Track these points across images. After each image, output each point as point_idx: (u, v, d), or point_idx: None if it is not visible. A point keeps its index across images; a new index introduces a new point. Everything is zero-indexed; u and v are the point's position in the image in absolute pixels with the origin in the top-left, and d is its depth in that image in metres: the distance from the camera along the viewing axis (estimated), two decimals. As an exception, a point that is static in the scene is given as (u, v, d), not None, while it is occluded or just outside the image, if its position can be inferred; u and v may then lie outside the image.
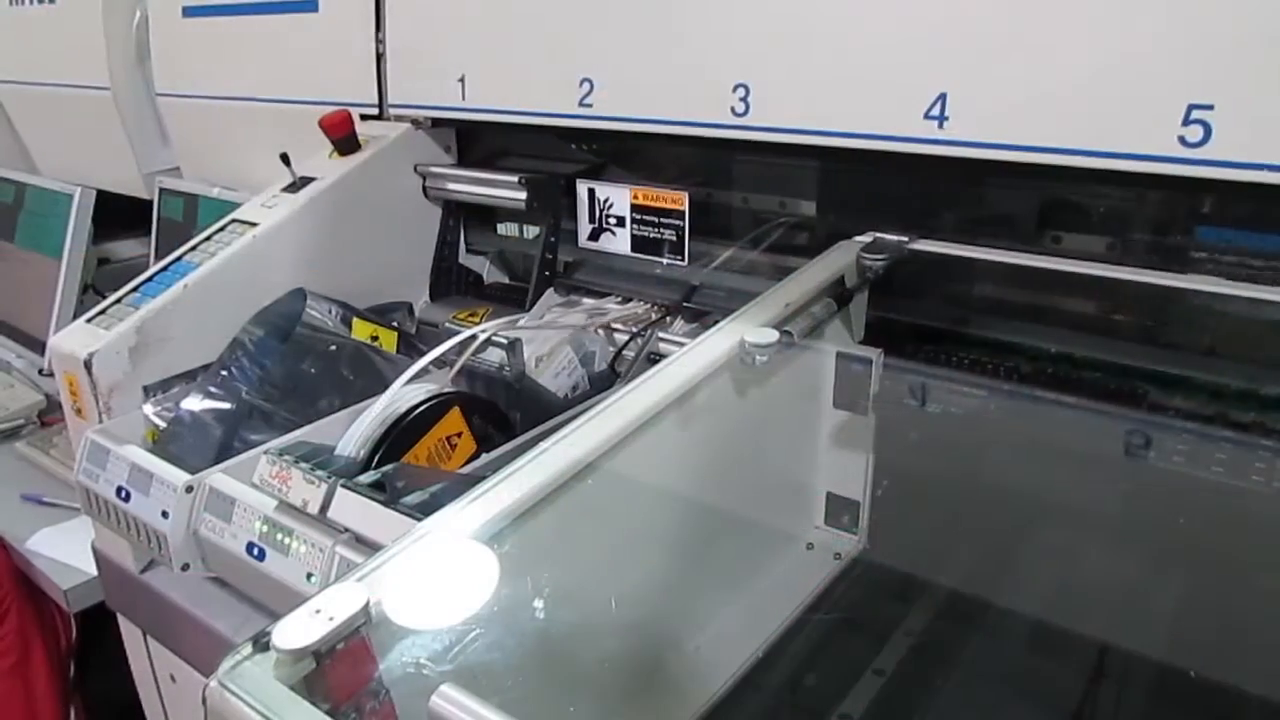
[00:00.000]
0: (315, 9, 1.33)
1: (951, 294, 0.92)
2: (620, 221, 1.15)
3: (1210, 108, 0.68)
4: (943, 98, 0.80)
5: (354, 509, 0.74)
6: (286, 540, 0.78)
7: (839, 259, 0.87)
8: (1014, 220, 0.94)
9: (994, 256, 0.88)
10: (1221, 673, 0.70)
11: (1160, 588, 0.77)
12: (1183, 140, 0.69)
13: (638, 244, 1.14)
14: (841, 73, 0.87)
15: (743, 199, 1.15)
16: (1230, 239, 0.84)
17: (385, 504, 0.70)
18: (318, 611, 0.46)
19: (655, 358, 1.02)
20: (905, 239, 0.90)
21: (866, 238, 0.91)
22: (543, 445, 0.64)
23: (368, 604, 0.47)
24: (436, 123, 1.27)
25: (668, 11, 0.98)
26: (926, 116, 0.81)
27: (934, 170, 0.86)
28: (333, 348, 1.03)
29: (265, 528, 0.80)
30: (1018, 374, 0.86)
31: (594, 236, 1.19)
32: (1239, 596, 0.73)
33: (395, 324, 1.14)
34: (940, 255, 0.89)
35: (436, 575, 0.54)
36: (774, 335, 0.72)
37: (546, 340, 1.03)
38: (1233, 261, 0.84)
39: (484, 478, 0.60)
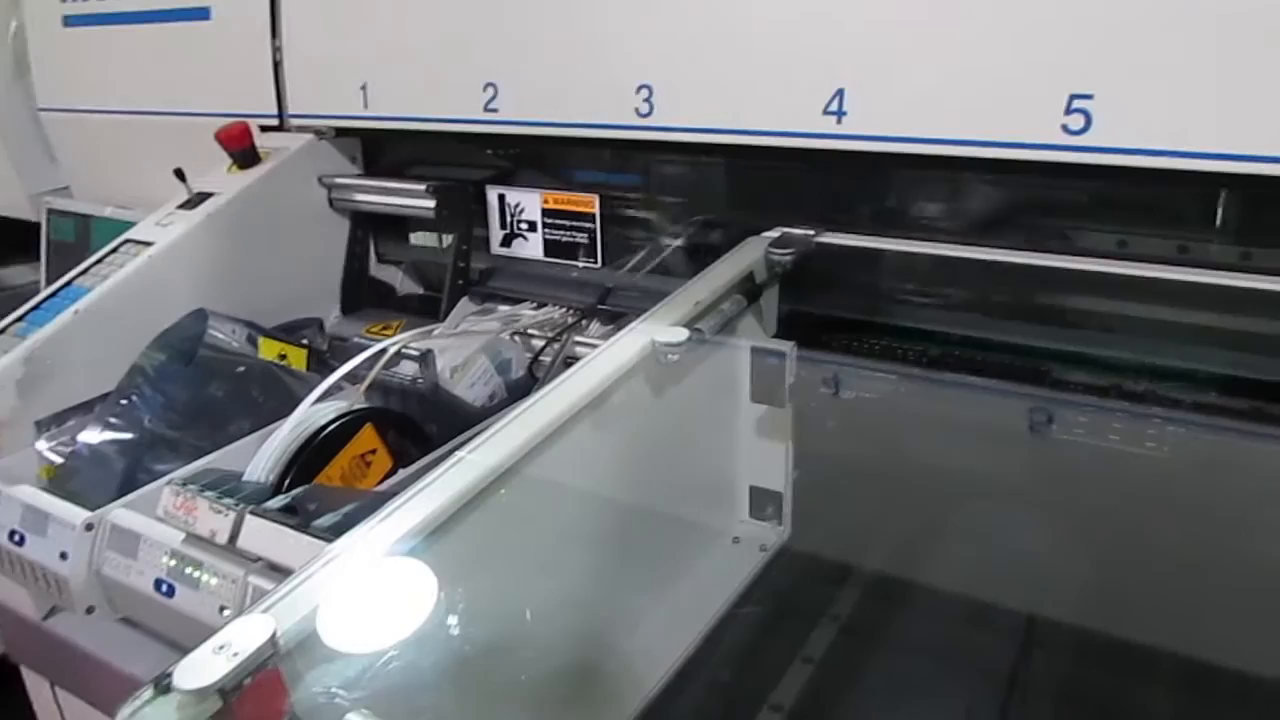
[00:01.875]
0: (207, 17, 1.28)
1: (861, 284, 0.93)
2: (532, 226, 1.14)
3: (1090, 97, 0.71)
4: (840, 93, 0.82)
5: (264, 536, 0.72)
6: (196, 574, 0.76)
7: (748, 255, 0.88)
8: (918, 210, 0.97)
9: (899, 246, 0.90)
10: (1136, 632, 0.73)
11: (1073, 555, 0.79)
12: (1066, 129, 0.72)
13: (551, 248, 1.14)
14: (742, 71, 0.88)
15: (655, 199, 1.16)
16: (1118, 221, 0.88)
17: (297, 528, 0.69)
18: (221, 647, 0.44)
19: (572, 362, 1.02)
20: (812, 233, 0.91)
21: (775, 233, 0.92)
22: (457, 455, 0.63)
23: (275, 635, 0.45)
24: (340, 132, 1.24)
25: (569, 15, 0.98)
26: (826, 112, 0.83)
27: (838, 164, 0.88)
28: (240, 369, 1.00)
29: (173, 562, 0.77)
30: (926, 358, 0.89)
31: (506, 242, 1.18)
32: (1143, 557, 0.76)
33: (305, 341, 1.11)
34: (847, 247, 0.91)
35: (354, 597, 0.53)
36: (684, 334, 0.72)
37: (461, 350, 1.02)
38: (1119, 241, 0.88)
39: (398, 494, 0.59)
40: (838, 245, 0.90)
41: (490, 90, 1.04)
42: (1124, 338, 0.80)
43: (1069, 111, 0.72)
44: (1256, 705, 0.69)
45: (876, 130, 0.81)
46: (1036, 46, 0.74)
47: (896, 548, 0.90)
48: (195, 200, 1.13)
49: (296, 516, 0.71)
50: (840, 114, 0.82)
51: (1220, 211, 0.86)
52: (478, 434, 0.66)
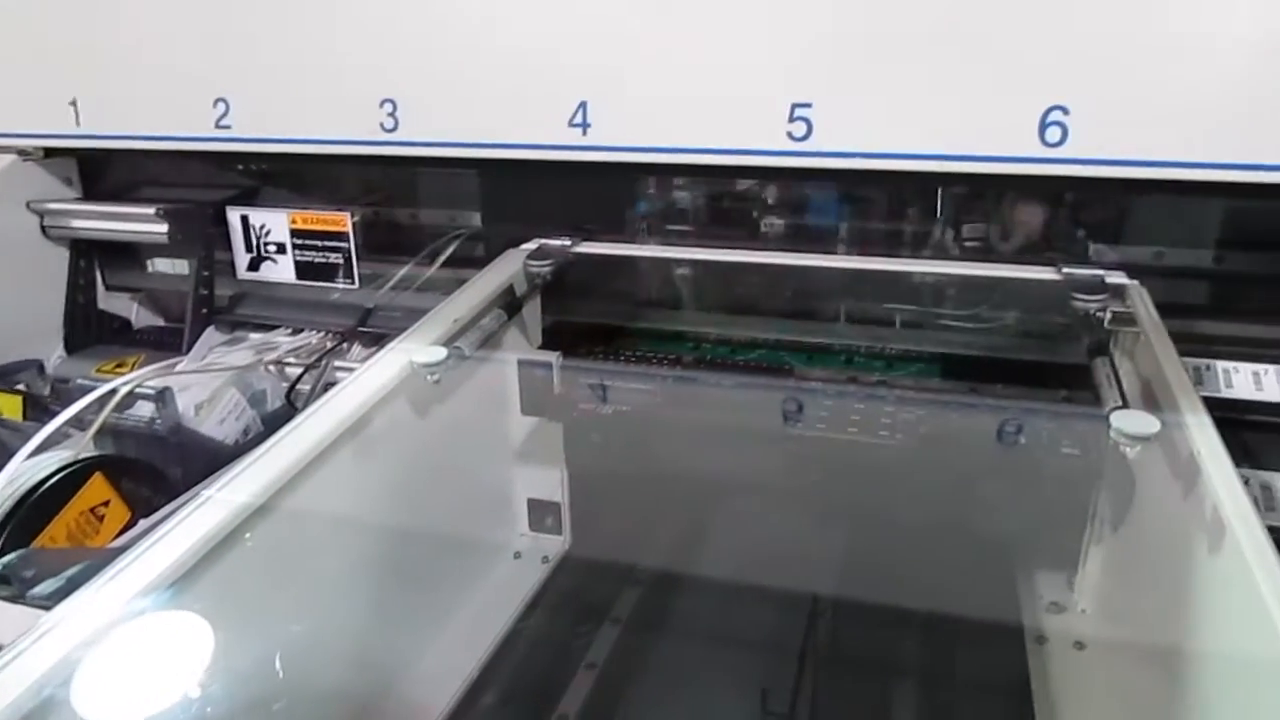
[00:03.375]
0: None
1: (621, 291, 0.96)
2: (281, 248, 1.08)
3: (810, 106, 0.76)
4: (584, 105, 0.83)
5: (-28, 612, 0.63)
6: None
7: (506, 268, 0.88)
8: (671, 217, 1.01)
9: (654, 252, 0.93)
10: (891, 595, 0.79)
11: (834, 535, 0.85)
12: (790, 135, 0.77)
13: (303, 270, 1.08)
14: (488, 85, 0.88)
15: (412, 215, 1.13)
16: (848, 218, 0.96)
17: (9, 600, 0.61)
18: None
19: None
20: (569, 243, 0.92)
21: (533, 245, 0.92)
22: (202, 496, 0.59)
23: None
24: (50, 152, 1.12)
25: (304, 27, 0.93)
26: (571, 124, 0.84)
27: (590, 175, 0.89)
28: (-61, 425, 0.88)
29: None
30: (684, 361, 0.92)
31: (254, 266, 1.11)
32: (892, 531, 0.82)
33: (21, 386, 0.99)
34: (605, 256, 0.93)
35: (99, 664, 0.47)
36: (443, 353, 0.71)
37: (208, 384, 0.95)
38: (854, 238, 0.96)
39: (133, 546, 0.54)
40: (595, 254, 0.92)
41: (221, 106, 0.97)
42: (860, 329, 0.87)
43: (792, 119, 0.77)
44: (986, 642, 0.76)
45: (620, 141, 0.83)
46: (763, 61, 0.79)
47: (674, 545, 0.93)
48: None
49: (9, 586, 0.63)
50: (585, 126, 0.83)
51: (939, 207, 0.95)
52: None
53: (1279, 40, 0.69)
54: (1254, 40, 0.69)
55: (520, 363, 0.88)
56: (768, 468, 0.84)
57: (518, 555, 0.93)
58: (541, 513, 0.94)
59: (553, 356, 0.87)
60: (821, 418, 0.78)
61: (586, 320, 0.94)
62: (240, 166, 1.16)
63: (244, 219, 1.09)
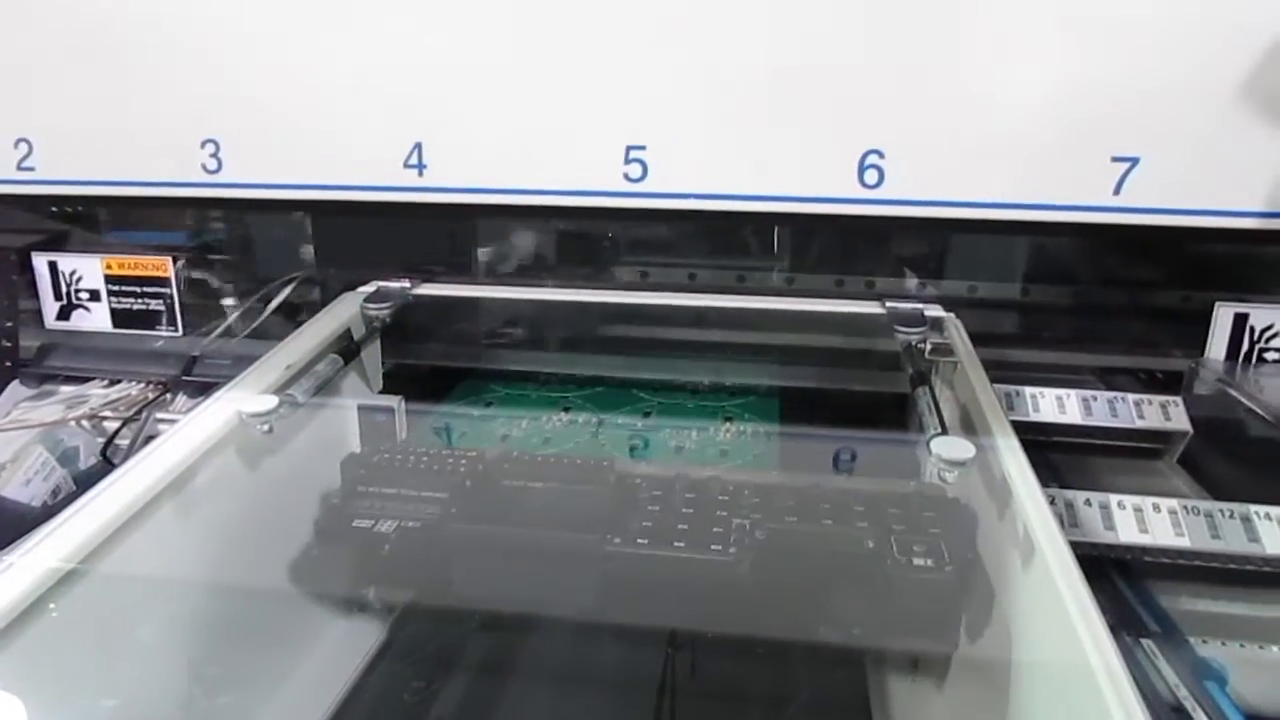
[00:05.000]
0: None
1: (463, 333, 0.95)
2: (94, 295, 1.01)
3: (644, 148, 0.79)
4: (419, 146, 0.82)
5: None
6: None
7: (342, 312, 0.85)
8: (511, 257, 1.00)
9: (495, 293, 0.93)
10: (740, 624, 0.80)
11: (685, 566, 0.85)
12: (626, 177, 0.79)
13: (120, 318, 1.02)
14: (317, 125, 0.86)
15: (243, 258, 1.08)
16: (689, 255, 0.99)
17: None
18: None
19: (156, 442, 0.91)
20: (409, 285, 0.90)
21: (370, 287, 0.90)
22: (4, 563, 0.54)
23: None
24: None
25: (120, 60, 0.88)
26: (407, 165, 0.83)
27: (431, 216, 0.88)
28: None
29: None
30: (531, 399, 0.92)
31: (64, 315, 1.03)
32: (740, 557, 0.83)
33: None
34: (446, 298, 0.91)
35: None
36: (273, 401, 0.68)
37: (10, 444, 0.87)
38: (689, 275, 0.99)
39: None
40: (435, 296, 0.91)
41: (24, 147, 0.91)
42: (698, 363, 0.89)
43: (628, 161, 0.79)
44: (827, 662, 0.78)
45: (457, 182, 0.83)
46: (598, 103, 0.81)
47: (515, 581, 0.91)
48: None
49: None
50: (421, 167, 0.83)
51: (775, 245, 0.99)
52: (36, 537, 0.56)
53: (1070, 92, 0.76)
54: (1048, 92, 0.77)
55: (360, 407, 0.85)
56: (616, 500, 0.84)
57: (361, 608, 0.89)
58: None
59: (395, 400, 0.85)
60: (675, 444, 0.78)
61: (431, 362, 0.92)
62: (54, 209, 1.08)
63: (52, 265, 1.02)
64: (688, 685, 0.75)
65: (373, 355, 0.87)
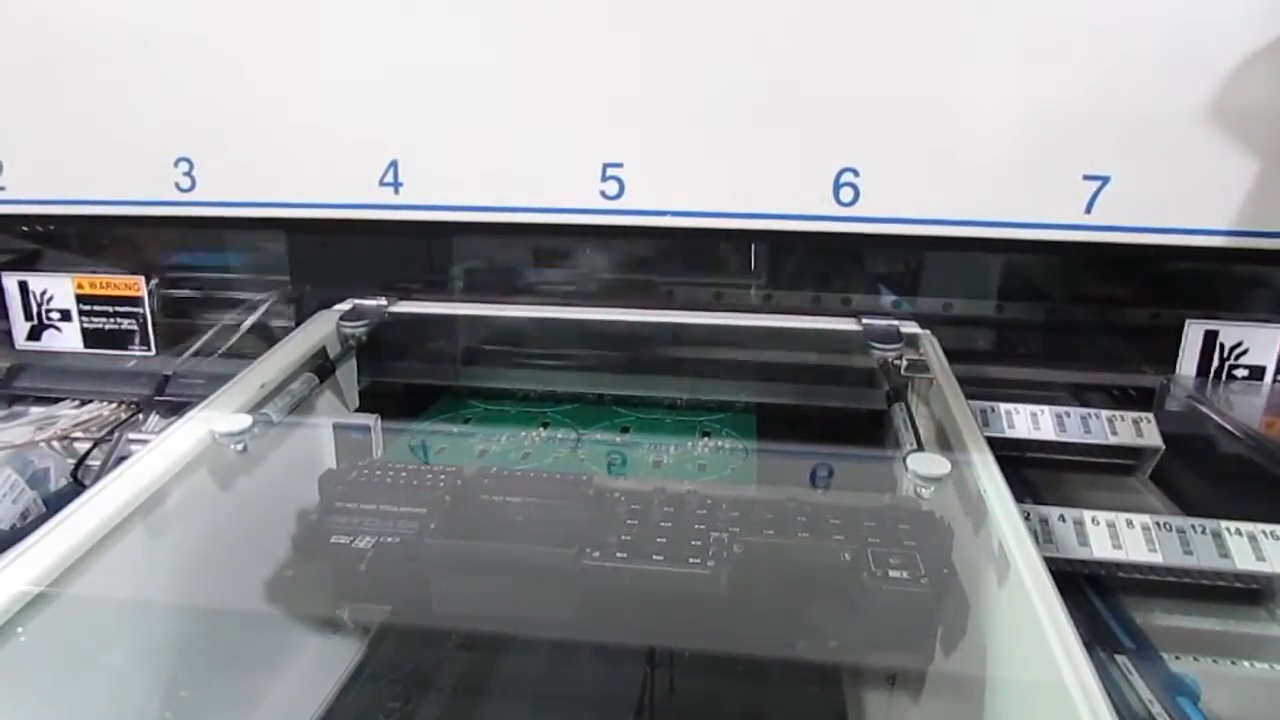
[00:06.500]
0: None
1: (439, 350, 0.94)
2: (65, 315, 1.00)
3: (621, 165, 0.79)
4: (394, 165, 0.82)
5: None
6: None
7: (317, 330, 0.85)
8: (487, 274, 1.00)
9: (473, 310, 0.93)
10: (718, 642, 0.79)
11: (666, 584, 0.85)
12: (603, 194, 0.79)
13: (92, 338, 1.00)
14: (292, 142, 0.85)
15: (219, 277, 1.07)
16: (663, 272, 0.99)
17: None
18: None
19: (128, 463, 0.90)
20: (385, 302, 0.90)
21: (346, 305, 0.90)
22: (-27, 588, 0.53)
23: None
24: None
25: (91, 78, 0.88)
26: (383, 183, 0.83)
27: (406, 233, 0.88)
28: None
29: None
30: (510, 416, 0.91)
31: (35, 335, 1.02)
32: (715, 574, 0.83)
33: None
34: (422, 315, 0.91)
35: None
36: (247, 420, 0.67)
37: (-22, 465, 0.85)
38: (667, 292, 0.99)
39: None
40: (411, 313, 0.90)
41: (-7, 166, 0.90)
42: (676, 379, 0.89)
43: (604, 179, 0.79)
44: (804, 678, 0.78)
45: (433, 200, 0.83)
46: (575, 121, 0.81)
47: (509, 597, 0.90)
48: None
49: None
50: (397, 185, 0.82)
51: (753, 262, 1.00)
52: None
53: (1042, 111, 0.77)
54: (1020, 112, 0.78)
55: (336, 426, 0.85)
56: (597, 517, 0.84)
57: (336, 628, 0.88)
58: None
59: (371, 419, 0.84)
60: (653, 458, 0.77)
61: (407, 380, 0.92)
62: (25, 229, 1.07)
63: (22, 285, 1.00)
64: (666, 700, 0.75)
65: (348, 373, 0.87)
